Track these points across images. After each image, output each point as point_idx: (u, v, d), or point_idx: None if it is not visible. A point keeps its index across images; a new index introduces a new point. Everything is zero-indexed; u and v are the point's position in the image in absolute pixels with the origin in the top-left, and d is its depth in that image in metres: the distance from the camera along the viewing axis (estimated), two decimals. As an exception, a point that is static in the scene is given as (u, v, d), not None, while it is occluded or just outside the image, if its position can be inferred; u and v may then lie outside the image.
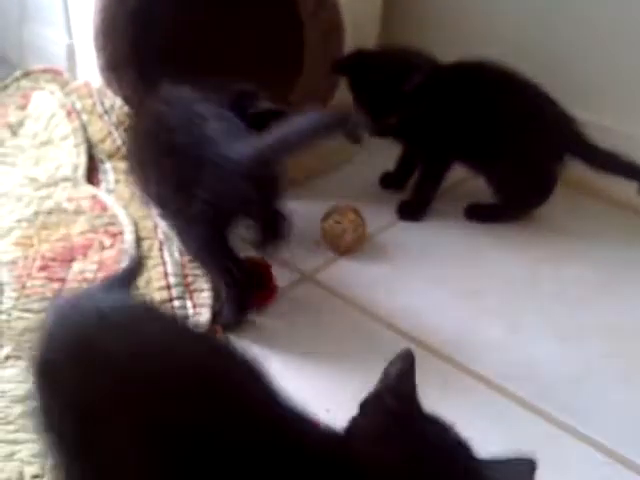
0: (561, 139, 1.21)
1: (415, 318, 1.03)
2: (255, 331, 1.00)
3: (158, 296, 1.02)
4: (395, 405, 0.58)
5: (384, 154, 1.33)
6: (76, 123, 1.39)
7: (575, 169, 1.21)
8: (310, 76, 1.29)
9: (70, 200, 1.24)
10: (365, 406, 0.61)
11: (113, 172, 1.34)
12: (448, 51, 1.53)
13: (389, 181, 1.37)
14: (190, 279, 1.06)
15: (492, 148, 1.22)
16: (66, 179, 1.30)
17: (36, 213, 1.18)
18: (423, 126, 1.23)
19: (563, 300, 1.10)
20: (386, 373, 0.61)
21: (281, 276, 1.08)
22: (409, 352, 0.62)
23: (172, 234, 1.14)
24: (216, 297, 1.02)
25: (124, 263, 1.07)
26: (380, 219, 1.26)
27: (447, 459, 0.54)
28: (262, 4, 1.36)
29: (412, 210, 1.29)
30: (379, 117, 1.21)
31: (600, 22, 1.30)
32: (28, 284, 1.02)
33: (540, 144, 1.20)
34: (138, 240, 1.14)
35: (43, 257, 1.08)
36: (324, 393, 0.88)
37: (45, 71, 1.62)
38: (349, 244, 1.17)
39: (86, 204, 1.23)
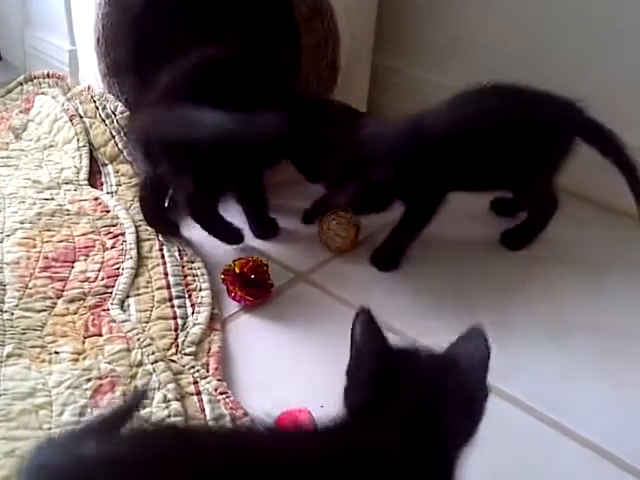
0: (570, 126, 1.15)
1: (407, 317, 1.04)
2: (250, 329, 1.02)
3: (158, 295, 1.04)
4: (376, 366, 0.63)
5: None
6: (79, 127, 1.41)
7: (561, 174, 1.22)
8: (306, 84, 1.31)
9: (72, 202, 1.26)
10: (350, 374, 0.66)
11: (115, 175, 1.36)
12: (442, 61, 1.56)
13: None
14: (189, 279, 1.08)
15: (499, 171, 1.15)
16: (69, 182, 1.32)
17: (39, 214, 1.20)
18: (416, 187, 1.13)
19: (551, 299, 1.11)
20: (353, 340, 0.67)
21: (277, 275, 1.09)
22: (364, 310, 0.68)
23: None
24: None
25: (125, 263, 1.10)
26: (374, 220, 1.28)
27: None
28: (260, 11, 1.38)
29: (388, 260, 1.18)
30: (363, 211, 1.17)
31: (600, 41, 1.32)
32: (31, 284, 1.04)
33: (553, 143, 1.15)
34: (139, 241, 1.16)
35: (46, 257, 1.10)
36: (318, 390, 0.89)
37: (48, 76, 1.64)
38: (345, 245, 1.19)
39: (88, 206, 1.25)
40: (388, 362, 0.64)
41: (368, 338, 0.66)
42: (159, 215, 1.21)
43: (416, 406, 0.60)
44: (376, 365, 0.63)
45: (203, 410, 0.84)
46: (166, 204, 1.24)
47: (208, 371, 0.91)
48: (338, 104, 1.24)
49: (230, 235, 1.19)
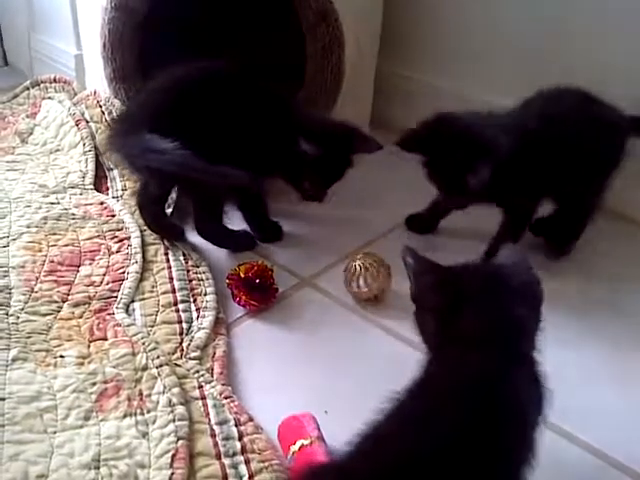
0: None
1: (410, 322, 1.03)
2: (255, 333, 1.02)
3: (163, 299, 1.04)
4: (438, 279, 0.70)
5: (385, 161, 1.34)
6: (85, 132, 1.42)
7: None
8: (310, 89, 1.31)
9: (78, 206, 1.27)
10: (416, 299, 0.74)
11: (120, 179, 1.37)
12: (448, 66, 1.56)
13: (417, 224, 1.28)
14: (194, 283, 1.08)
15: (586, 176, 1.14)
16: (74, 186, 1.33)
17: (45, 218, 1.21)
18: (511, 186, 1.09)
19: (565, 307, 1.10)
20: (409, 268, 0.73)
21: (281, 280, 1.10)
22: (409, 248, 0.74)
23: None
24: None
25: (131, 267, 1.10)
26: (379, 226, 1.28)
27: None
28: (265, 18, 1.38)
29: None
30: (452, 196, 1.13)
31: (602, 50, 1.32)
32: (36, 287, 1.04)
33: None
34: (144, 245, 1.16)
35: (51, 261, 1.10)
36: (322, 395, 0.89)
37: (54, 80, 1.66)
38: (382, 292, 1.10)
39: (94, 210, 1.26)
40: (449, 276, 0.70)
41: (421, 261, 0.72)
42: (161, 221, 1.22)
43: (491, 308, 0.67)
44: (439, 278, 0.70)
45: (208, 414, 0.84)
46: (170, 209, 1.25)
47: (213, 375, 0.91)
48: (335, 123, 1.19)
49: (240, 243, 1.21)
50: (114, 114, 1.38)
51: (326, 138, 1.13)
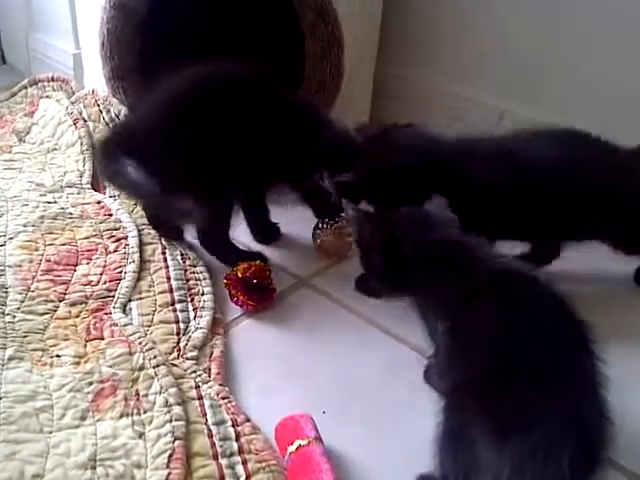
0: None
1: (409, 322, 1.03)
2: (252, 333, 1.02)
3: (160, 299, 1.04)
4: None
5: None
6: (82, 131, 1.42)
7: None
8: (309, 89, 1.31)
9: (75, 205, 1.26)
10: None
11: (118, 178, 1.36)
12: (446, 69, 1.56)
13: None
14: (192, 283, 1.08)
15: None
16: (72, 185, 1.33)
17: (42, 217, 1.20)
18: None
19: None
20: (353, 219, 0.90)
21: (279, 280, 1.09)
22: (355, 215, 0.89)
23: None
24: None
25: (128, 266, 1.10)
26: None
27: None
28: (264, 17, 1.38)
29: None
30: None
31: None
32: (33, 287, 1.04)
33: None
34: (141, 245, 1.16)
35: (48, 260, 1.10)
36: (320, 395, 0.89)
37: (52, 79, 1.65)
38: (344, 249, 1.16)
39: (91, 209, 1.26)
40: (384, 220, 0.84)
41: (361, 212, 0.89)
42: (162, 219, 1.21)
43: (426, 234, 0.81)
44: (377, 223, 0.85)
45: (205, 415, 0.83)
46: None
47: (210, 376, 0.90)
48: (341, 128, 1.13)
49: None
50: (116, 117, 1.38)
51: (353, 160, 1.05)
